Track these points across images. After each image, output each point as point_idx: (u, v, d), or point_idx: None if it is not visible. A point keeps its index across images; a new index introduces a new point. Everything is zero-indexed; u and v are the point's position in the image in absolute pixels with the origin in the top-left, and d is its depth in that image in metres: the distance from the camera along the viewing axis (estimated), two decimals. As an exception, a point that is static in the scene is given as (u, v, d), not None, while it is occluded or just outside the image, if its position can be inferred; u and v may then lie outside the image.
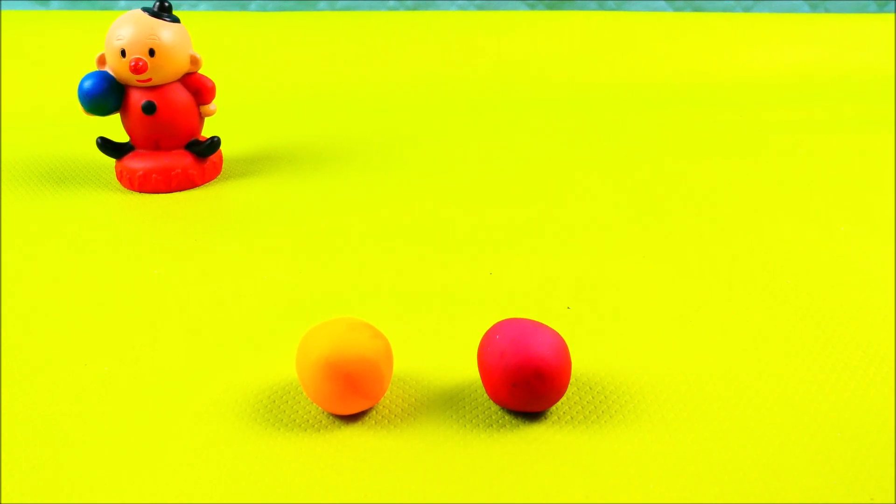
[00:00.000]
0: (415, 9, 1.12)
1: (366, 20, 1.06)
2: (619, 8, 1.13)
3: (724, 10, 1.15)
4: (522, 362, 0.33)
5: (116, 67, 0.59)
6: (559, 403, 0.36)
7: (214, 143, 0.63)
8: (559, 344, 0.34)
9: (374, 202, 0.61)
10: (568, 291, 0.47)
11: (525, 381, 0.33)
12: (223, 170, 0.68)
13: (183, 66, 0.61)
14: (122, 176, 0.63)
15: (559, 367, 0.34)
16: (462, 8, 1.12)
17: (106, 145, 0.63)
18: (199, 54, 0.61)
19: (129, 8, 1.07)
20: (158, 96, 0.60)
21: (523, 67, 1.03)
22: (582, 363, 0.39)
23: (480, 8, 1.12)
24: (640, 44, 1.06)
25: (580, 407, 0.36)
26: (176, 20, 0.60)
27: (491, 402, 0.36)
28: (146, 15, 0.59)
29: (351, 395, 0.33)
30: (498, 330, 0.35)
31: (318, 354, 0.33)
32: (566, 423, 0.35)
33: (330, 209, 0.59)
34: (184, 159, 0.63)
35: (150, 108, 0.60)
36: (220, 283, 0.48)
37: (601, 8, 1.13)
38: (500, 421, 0.35)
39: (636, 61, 1.04)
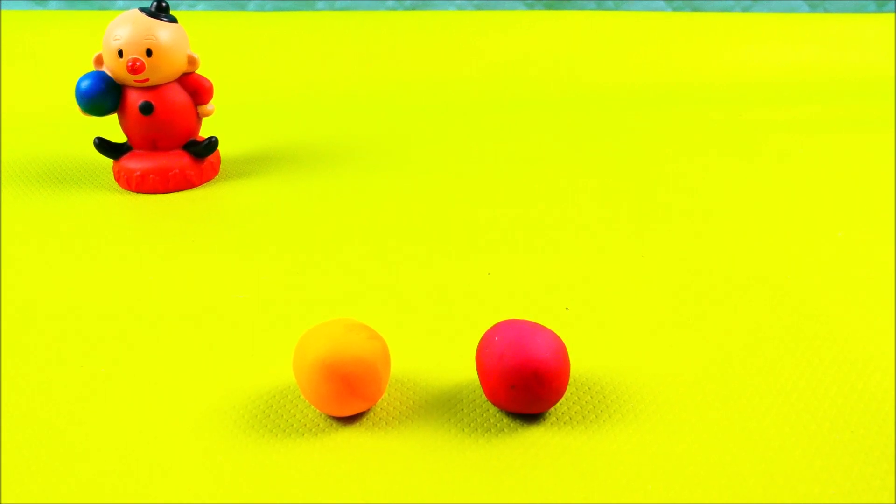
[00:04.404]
0: (413, 9, 1.11)
1: (364, 20, 1.06)
2: (617, 8, 1.13)
3: (723, 9, 1.15)
4: (521, 364, 0.33)
5: (114, 67, 0.59)
6: (558, 405, 0.36)
7: (212, 144, 0.63)
8: (558, 346, 0.34)
9: (372, 202, 0.60)
10: (567, 292, 0.46)
11: (524, 383, 0.33)
12: (221, 170, 0.68)
13: (180, 67, 0.61)
14: (119, 176, 0.63)
15: (558, 369, 0.33)
16: (460, 8, 1.12)
17: (103, 145, 0.63)
18: (196, 54, 0.61)
19: (126, 8, 1.06)
20: (156, 96, 0.60)
21: (522, 67, 1.02)
22: (580, 364, 0.39)
23: (479, 8, 1.12)
24: (638, 43, 1.06)
25: (578, 408, 0.36)
26: (173, 20, 0.60)
27: (489, 403, 0.36)
28: (143, 15, 0.59)
29: (348, 396, 0.33)
30: (496, 332, 0.35)
31: (315, 356, 0.33)
32: (564, 424, 0.35)
33: (328, 210, 0.59)
34: (181, 160, 0.63)
35: (147, 109, 0.60)
36: (218, 283, 0.48)
37: (600, 8, 1.13)
38: (499, 424, 0.35)
39: (635, 61, 1.04)
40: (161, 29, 0.59)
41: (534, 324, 0.35)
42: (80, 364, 0.39)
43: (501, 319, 0.44)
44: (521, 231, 0.55)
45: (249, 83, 0.97)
